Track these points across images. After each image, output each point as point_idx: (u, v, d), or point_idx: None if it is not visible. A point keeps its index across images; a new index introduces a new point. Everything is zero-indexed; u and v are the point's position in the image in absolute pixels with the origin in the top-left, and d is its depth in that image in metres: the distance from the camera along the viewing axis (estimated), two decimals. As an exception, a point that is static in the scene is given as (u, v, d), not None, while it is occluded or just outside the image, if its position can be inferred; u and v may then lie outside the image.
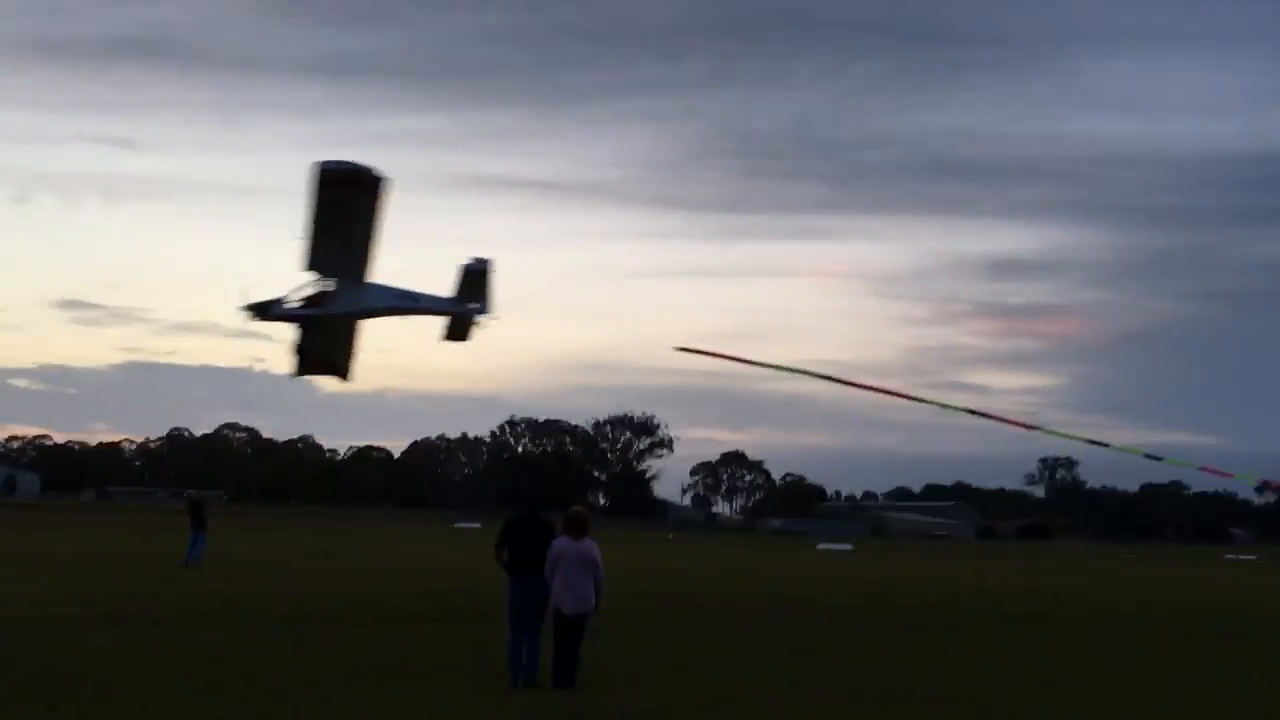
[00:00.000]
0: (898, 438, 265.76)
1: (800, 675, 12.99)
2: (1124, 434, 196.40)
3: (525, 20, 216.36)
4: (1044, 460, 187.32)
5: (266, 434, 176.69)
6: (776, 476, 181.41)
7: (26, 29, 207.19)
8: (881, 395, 14.93)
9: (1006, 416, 14.99)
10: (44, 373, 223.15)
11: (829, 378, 14.96)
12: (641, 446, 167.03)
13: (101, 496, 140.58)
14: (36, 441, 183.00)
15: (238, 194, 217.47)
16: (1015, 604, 26.96)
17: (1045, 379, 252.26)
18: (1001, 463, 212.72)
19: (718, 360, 14.34)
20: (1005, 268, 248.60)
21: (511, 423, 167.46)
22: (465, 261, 16.01)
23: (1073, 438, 16.31)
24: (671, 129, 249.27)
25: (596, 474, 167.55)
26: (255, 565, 29.77)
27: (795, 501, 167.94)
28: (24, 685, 10.35)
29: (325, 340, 16.03)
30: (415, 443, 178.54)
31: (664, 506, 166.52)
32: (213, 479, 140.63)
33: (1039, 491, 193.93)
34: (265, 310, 15.48)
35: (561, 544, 11.14)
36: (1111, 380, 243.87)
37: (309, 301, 15.36)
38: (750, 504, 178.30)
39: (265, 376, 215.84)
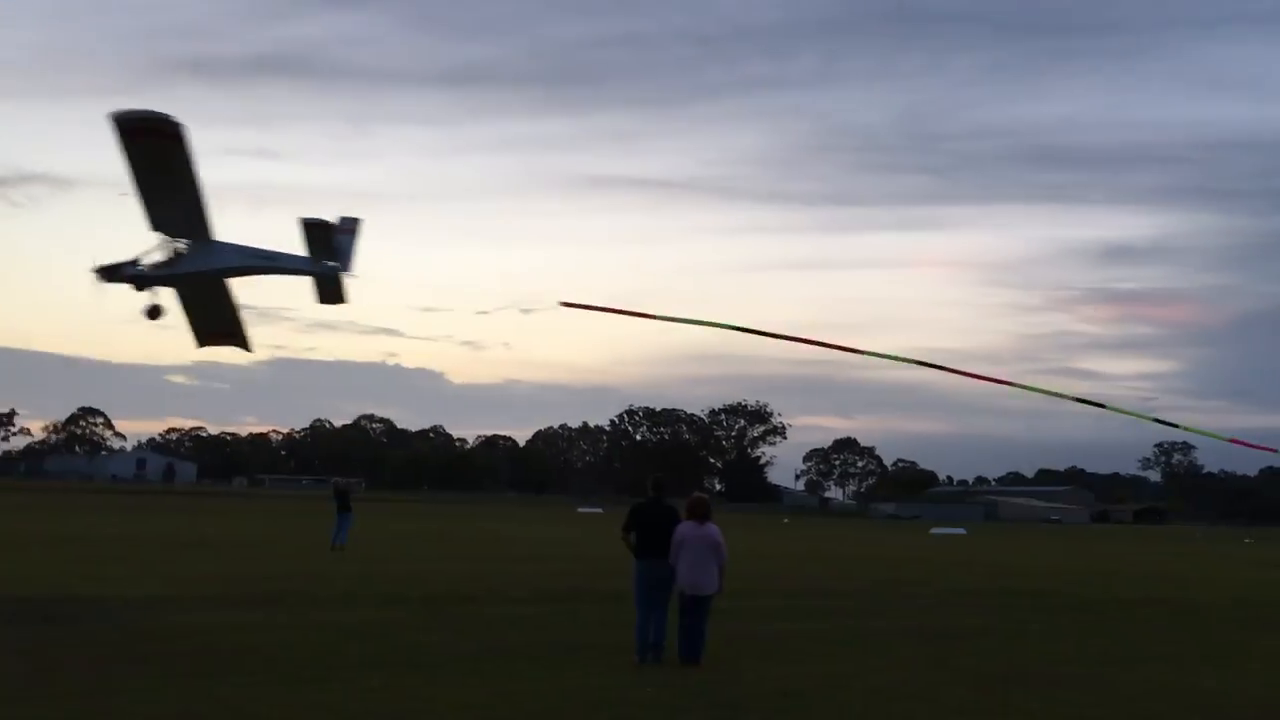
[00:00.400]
0: (1010, 423, 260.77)
1: (919, 657, 13.23)
2: (1243, 419, 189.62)
3: (639, 25, 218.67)
4: (1159, 445, 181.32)
5: (401, 424, 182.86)
6: (888, 462, 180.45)
7: (178, 51, 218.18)
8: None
9: (1073, 395, 14.45)
10: (198, 369, 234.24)
11: (787, 337, 14.17)
12: (755, 434, 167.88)
13: (252, 484, 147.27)
14: (193, 433, 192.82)
15: (369, 199, 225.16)
16: (1133, 587, 26.47)
17: (1161, 364, 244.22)
18: (1116, 447, 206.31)
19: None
20: (1117, 254, 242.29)
21: (630, 412, 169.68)
22: (309, 217, 14.87)
23: (1141, 417, 15.58)
24: (781, 126, 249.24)
25: (712, 461, 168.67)
26: (395, 548, 31.15)
27: (907, 487, 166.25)
28: (186, 661, 11.23)
29: (204, 306, 15.78)
30: (539, 431, 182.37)
31: (777, 492, 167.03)
32: (352, 466, 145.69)
33: (1154, 476, 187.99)
34: (114, 273, 14.88)
35: (685, 528, 11.66)
36: (1230, 365, 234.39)
37: (160, 264, 14.91)
38: (862, 489, 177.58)
39: (398, 370, 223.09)
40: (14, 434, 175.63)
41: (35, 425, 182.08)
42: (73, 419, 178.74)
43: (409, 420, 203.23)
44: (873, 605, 19.87)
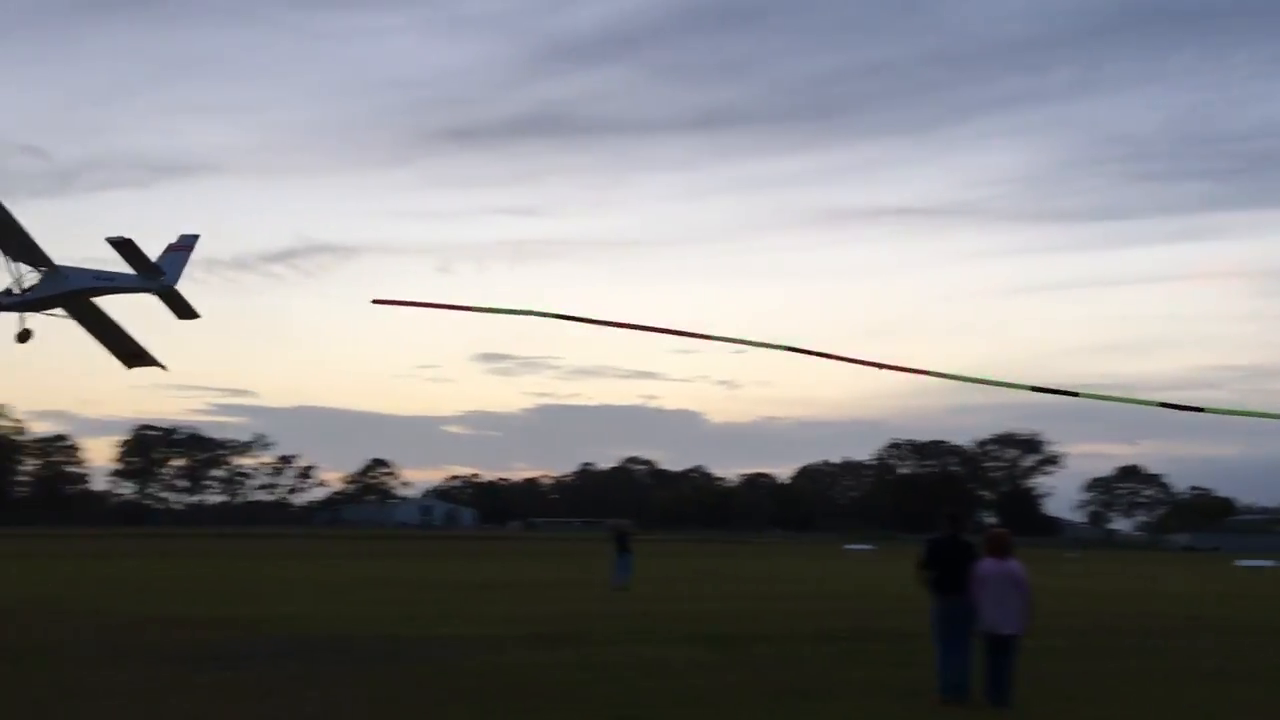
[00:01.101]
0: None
1: (1251, 699, 12.28)
2: None
3: (884, 54, 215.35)
4: None
5: (663, 465, 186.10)
6: (1178, 489, 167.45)
7: (442, 120, 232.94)
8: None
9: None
10: (472, 419, 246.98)
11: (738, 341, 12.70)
12: (1028, 464, 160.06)
13: (527, 527, 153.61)
14: (471, 479, 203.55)
15: (625, 247, 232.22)
16: None
17: None
18: None
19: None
20: None
21: (895, 445, 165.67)
22: (113, 236, 15.16)
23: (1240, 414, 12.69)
24: (1041, 141, 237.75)
25: (983, 493, 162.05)
26: (673, 588, 31.72)
27: (1202, 516, 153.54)
28: (504, 697, 11.91)
29: (98, 329, 16.35)
30: (803, 468, 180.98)
31: (1056, 524, 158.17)
32: (620, 508, 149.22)
33: None
34: None
35: (987, 565, 11.37)
36: None
37: (22, 291, 15.62)
38: (1152, 519, 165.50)
39: (658, 413, 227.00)
40: (316, 486, 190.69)
41: (333, 477, 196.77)
42: (364, 470, 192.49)
43: (671, 461, 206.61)
44: (1173, 644, 18.59)
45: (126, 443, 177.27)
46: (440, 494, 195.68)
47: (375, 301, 11.87)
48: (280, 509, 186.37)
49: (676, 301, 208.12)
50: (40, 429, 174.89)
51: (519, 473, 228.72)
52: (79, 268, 15.10)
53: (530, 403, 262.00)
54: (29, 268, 15.06)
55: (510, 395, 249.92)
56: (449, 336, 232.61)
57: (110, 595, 26.16)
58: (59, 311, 15.91)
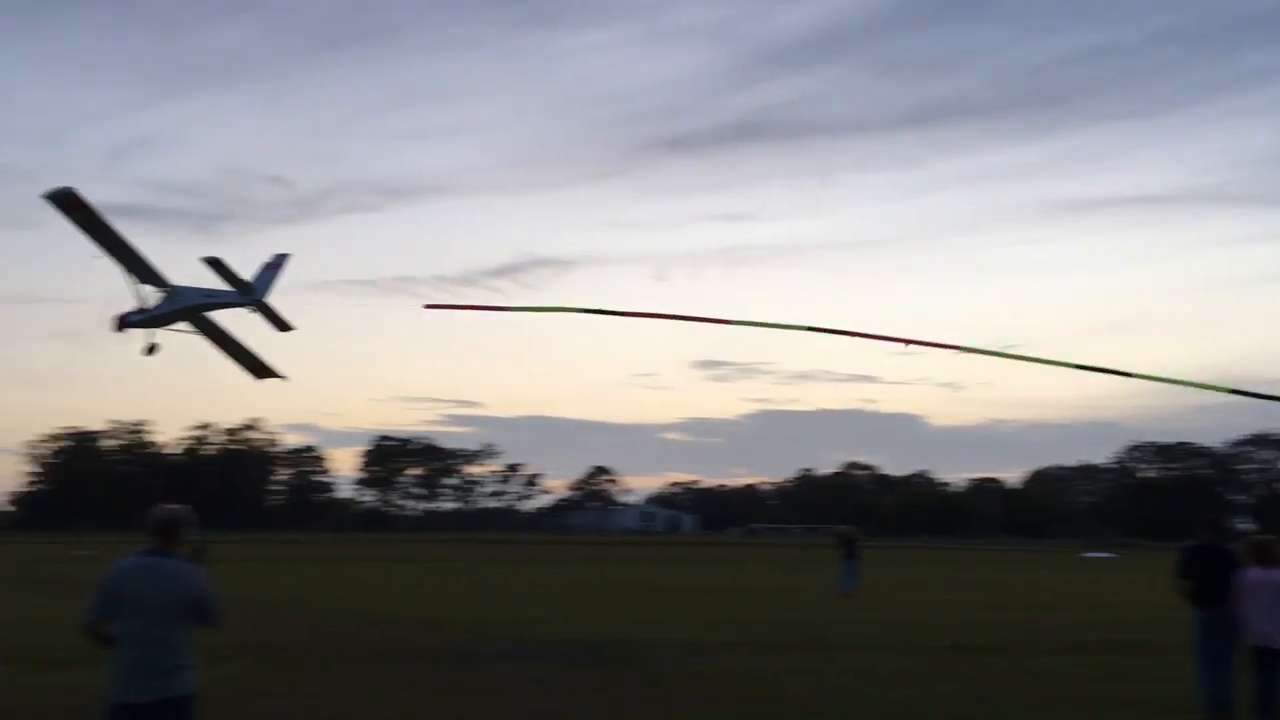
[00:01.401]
0: None
1: None
2: None
3: (1112, 36, 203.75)
4: None
5: (885, 470, 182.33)
6: None
7: (656, 130, 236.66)
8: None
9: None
10: (691, 426, 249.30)
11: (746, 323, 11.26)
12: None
13: (748, 533, 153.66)
14: (691, 486, 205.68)
15: (841, 249, 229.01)
16: None
17: None
18: None
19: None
20: None
21: (1136, 447, 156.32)
22: (208, 256, 15.74)
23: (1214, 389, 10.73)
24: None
25: (1237, 498, 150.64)
26: (900, 595, 30.96)
27: None
28: (738, 702, 11.93)
29: (221, 343, 16.95)
30: (1036, 472, 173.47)
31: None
32: (841, 514, 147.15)
33: None
34: (122, 322, 16.53)
35: (1253, 574, 10.54)
36: None
37: (145, 310, 16.34)
38: None
39: (878, 417, 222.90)
40: (541, 493, 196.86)
41: (557, 484, 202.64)
42: (587, 477, 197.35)
43: (892, 465, 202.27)
44: None
45: (367, 453, 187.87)
46: (660, 500, 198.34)
47: (428, 307, 11.83)
48: (509, 515, 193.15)
49: (894, 303, 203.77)
50: (291, 441, 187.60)
51: (738, 479, 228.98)
52: (191, 286, 16.20)
53: (748, 408, 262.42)
54: (152, 288, 16.21)
55: (728, 401, 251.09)
56: (666, 344, 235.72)
57: (356, 597, 27.74)
58: (184, 327, 17.08)
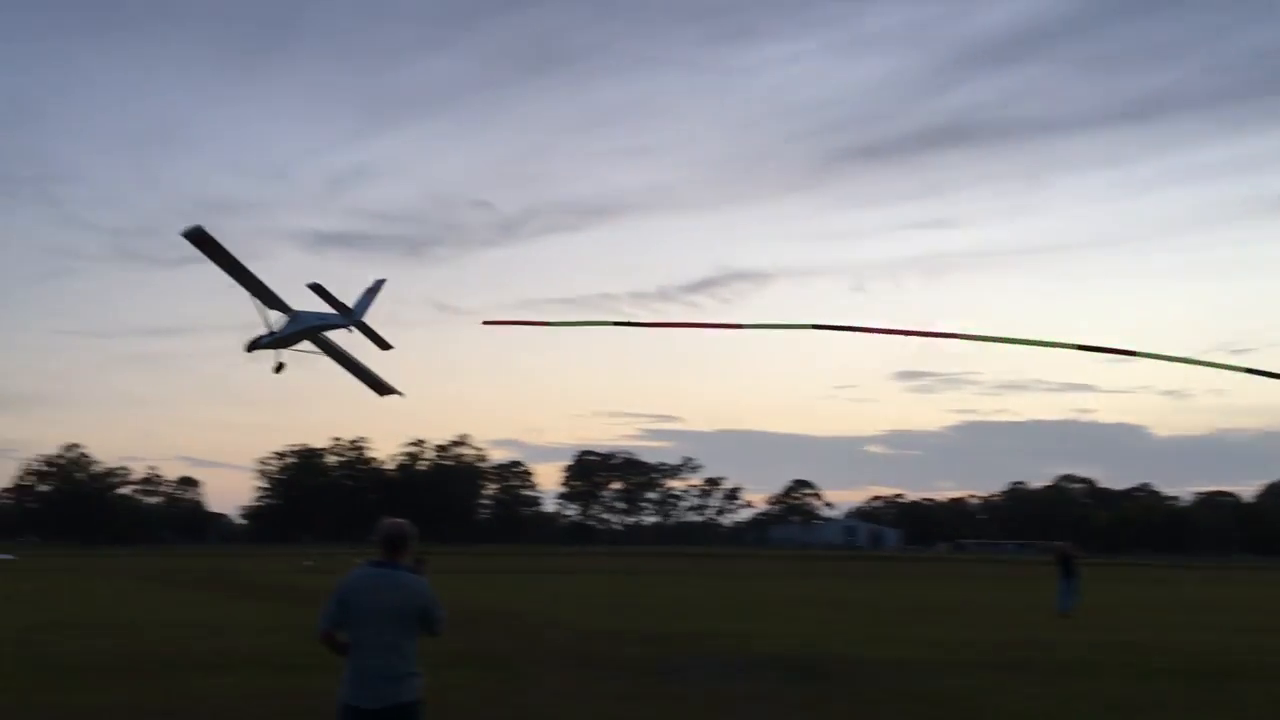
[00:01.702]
0: None
1: None
2: None
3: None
4: None
5: (1103, 483, 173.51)
6: None
7: (852, 139, 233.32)
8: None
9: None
10: (892, 439, 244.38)
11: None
12: None
13: (955, 549, 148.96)
14: (893, 500, 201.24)
15: (1047, 253, 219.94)
16: None
17: None
18: None
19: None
20: None
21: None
22: (311, 283, 16.83)
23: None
24: None
25: None
26: (1127, 615, 29.30)
27: None
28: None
29: (344, 362, 18.14)
30: (1271, 485, 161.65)
31: None
32: (1056, 529, 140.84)
33: None
34: (254, 344, 17.95)
35: None
36: None
37: (272, 332, 17.67)
38: None
39: (1094, 427, 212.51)
40: (741, 507, 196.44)
41: (757, 498, 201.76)
42: (787, 491, 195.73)
43: (1111, 478, 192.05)
44: None
45: (570, 467, 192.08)
46: (863, 514, 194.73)
47: (486, 324, 12.12)
48: (710, 529, 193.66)
49: (1109, 308, 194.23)
50: (497, 456, 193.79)
51: (944, 492, 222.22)
52: (307, 310, 17.47)
53: (953, 420, 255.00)
54: (277, 313, 17.68)
55: (932, 413, 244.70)
56: (867, 356, 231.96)
57: (564, 609, 28.30)
58: (307, 347, 18.36)
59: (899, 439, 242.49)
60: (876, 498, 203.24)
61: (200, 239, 16.30)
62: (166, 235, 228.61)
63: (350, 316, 16.82)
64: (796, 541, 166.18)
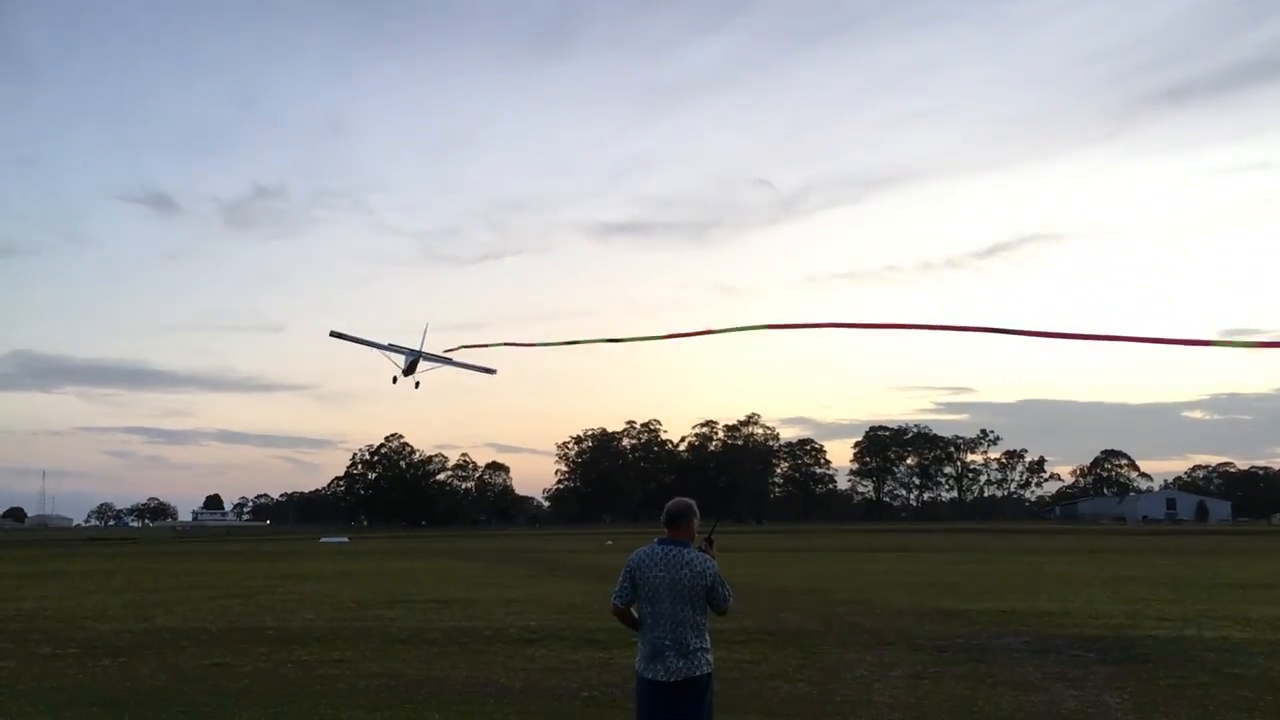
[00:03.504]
0: None
1: None
2: None
3: None
4: None
5: None
6: None
7: (1150, 83, 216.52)
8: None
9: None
10: (1216, 404, 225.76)
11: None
12: None
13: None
14: (1220, 469, 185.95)
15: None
16: None
17: None
18: None
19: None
20: None
21: None
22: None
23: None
24: None
25: None
26: None
27: None
28: (1259, 708, 10.52)
29: (448, 364, 21.76)
30: None
31: None
32: None
33: None
34: (406, 371, 22.03)
35: None
36: None
37: (413, 360, 21.96)
38: None
39: None
40: (1045, 480, 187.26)
41: (1064, 470, 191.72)
42: (1097, 462, 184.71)
43: None
44: None
45: (861, 443, 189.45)
46: (1184, 485, 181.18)
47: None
48: (1012, 504, 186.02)
49: None
50: (788, 435, 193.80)
51: (1278, 460, 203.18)
52: (406, 347, 21.63)
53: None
54: (397, 354, 21.77)
55: (1263, 373, 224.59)
56: (1184, 310, 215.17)
57: (861, 586, 27.95)
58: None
59: (1225, 404, 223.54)
60: (1198, 467, 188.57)
61: (340, 336, 21.30)
62: (469, 235, 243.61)
63: (413, 350, 21.55)
64: (1110, 515, 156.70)
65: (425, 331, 22.87)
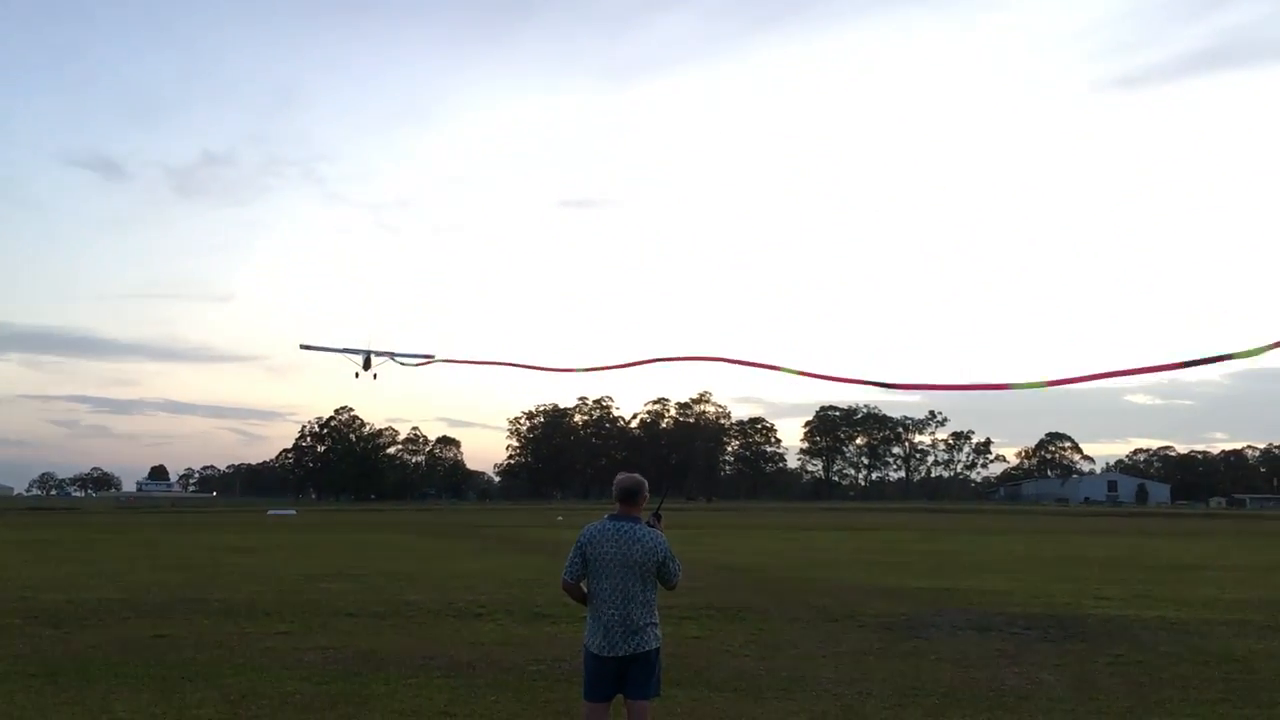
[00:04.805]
0: None
1: None
2: None
3: None
4: None
5: None
6: None
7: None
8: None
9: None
10: (1159, 389, 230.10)
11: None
12: None
13: (1230, 504, 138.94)
14: (1160, 453, 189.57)
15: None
16: None
17: None
18: None
19: None
20: None
21: None
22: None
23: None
24: None
25: None
26: None
27: None
28: (1197, 684, 10.78)
29: (393, 359, 22.74)
30: None
31: None
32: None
33: None
34: (364, 366, 22.91)
35: None
36: None
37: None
38: None
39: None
40: (991, 461, 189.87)
41: (1009, 452, 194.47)
42: (1041, 444, 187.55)
43: None
44: None
45: (811, 423, 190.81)
46: (1125, 468, 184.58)
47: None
48: (958, 484, 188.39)
49: None
50: (739, 413, 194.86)
51: (1217, 445, 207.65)
52: (360, 348, 22.68)
53: (1227, 368, 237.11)
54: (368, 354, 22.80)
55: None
56: (1134, 298, 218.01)
57: (807, 564, 28.24)
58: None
59: (1166, 389, 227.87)
60: (1139, 451, 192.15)
61: (309, 348, 23.09)
62: (420, 207, 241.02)
63: (365, 350, 22.67)
64: (1053, 497, 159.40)
65: (369, 339, 26.09)
